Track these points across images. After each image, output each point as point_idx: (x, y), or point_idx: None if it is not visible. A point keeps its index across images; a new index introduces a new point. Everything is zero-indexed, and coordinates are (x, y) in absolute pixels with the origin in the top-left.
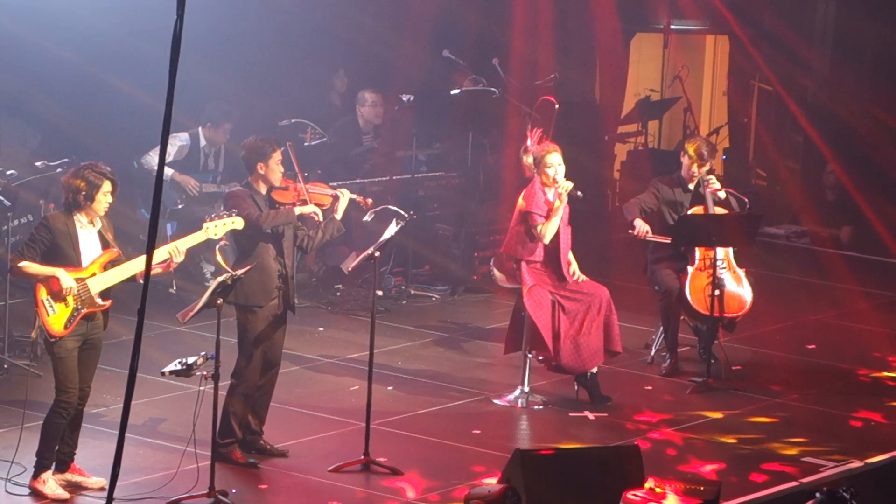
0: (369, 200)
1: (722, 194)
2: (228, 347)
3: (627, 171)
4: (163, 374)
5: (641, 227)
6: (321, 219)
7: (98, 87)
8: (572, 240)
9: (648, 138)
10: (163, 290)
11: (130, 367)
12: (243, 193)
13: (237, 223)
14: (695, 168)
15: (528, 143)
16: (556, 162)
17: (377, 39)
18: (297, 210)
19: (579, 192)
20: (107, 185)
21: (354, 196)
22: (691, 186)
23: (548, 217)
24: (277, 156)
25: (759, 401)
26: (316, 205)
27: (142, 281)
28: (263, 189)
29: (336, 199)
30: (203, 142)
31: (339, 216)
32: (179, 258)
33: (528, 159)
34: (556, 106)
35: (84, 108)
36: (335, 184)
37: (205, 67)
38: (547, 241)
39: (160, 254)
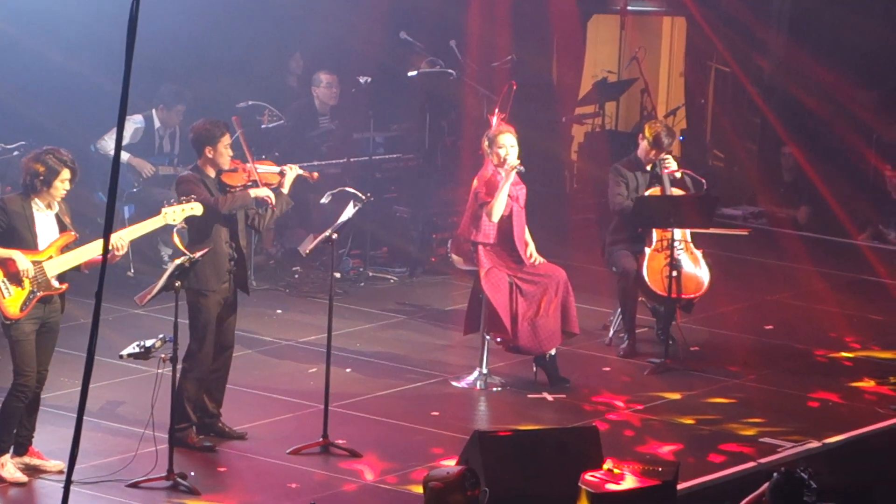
0: (315, 174)
1: (679, 175)
2: (186, 330)
3: (585, 153)
4: (121, 356)
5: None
6: (274, 202)
7: (53, 70)
8: (528, 221)
9: (606, 120)
10: (120, 273)
11: (88, 350)
12: (193, 178)
13: (196, 209)
14: (653, 154)
15: (492, 127)
16: (508, 143)
17: (333, 20)
18: (252, 193)
19: (521, 168)
20: (66, 173)
21: (301, 171)
22: (648, 168)
23: (492, 196)
24: (226, 139)
25: (717, 381)
26: (265, 184)
27: (86, 271)
28: (212, 172)
29: (283, 174)
30: (157, 124)
31: (286, 191)
32: (122, 251)
33: (486, 144)
34: (514, 86)
35: (39, 90)
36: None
37: (159, 49)
38: (494, 219)
39: (113, 239)
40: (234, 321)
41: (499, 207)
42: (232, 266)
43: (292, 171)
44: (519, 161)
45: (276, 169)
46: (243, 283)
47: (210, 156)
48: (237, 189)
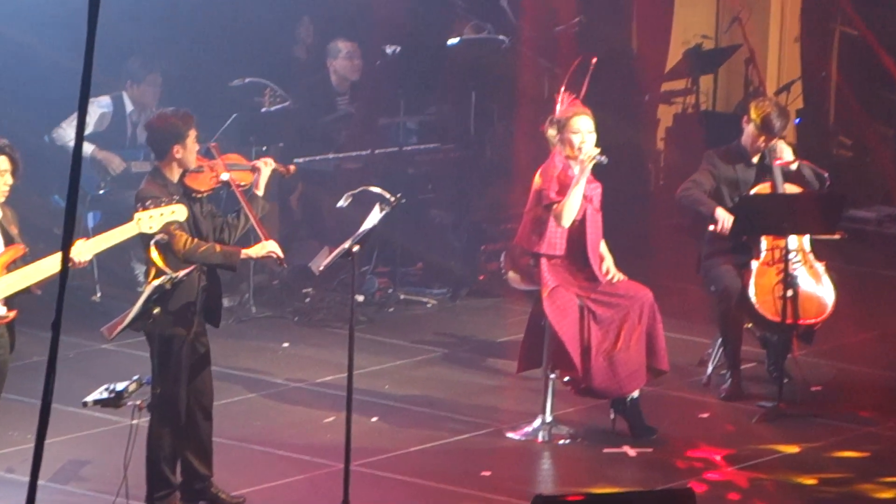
0: (292, 167)
1: (794, 167)
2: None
3: (674, 141)
4: (85, 404)
5: (726, 219)
6: (281, 257)
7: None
8: (604, 228)
9: (700, 98)
10: (83, 297)
11: (44, 396)
12: (158, 187)
13: (178, 212)
14: (761, 141)
15: (557, 111)
16: (584, 128)
17: None
18: (243, 254)
19: (603, 158)
20: (2, 162)
21: (276, 165)
22: (755, 160)
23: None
24: (193, 132)
25: (846, 430)
26: (236, 184)
27: (39, 292)
28: (175, 174)
29: (257, 171)
30: (129, 106)
31: (260, 192)
32: (84, 258)
33: (552, 131)
34: (594, 59)
35: None
36: (300, 160)
37: (129, 16)
38: (565, 224)
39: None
40: (209, 358)
41: (571, 209)
42: (203, 293)
43: (267, 167)
44: (599, 150)
45: (248, 165)
46: (214, 315)
47: (178, 155)
48: (204, 195)
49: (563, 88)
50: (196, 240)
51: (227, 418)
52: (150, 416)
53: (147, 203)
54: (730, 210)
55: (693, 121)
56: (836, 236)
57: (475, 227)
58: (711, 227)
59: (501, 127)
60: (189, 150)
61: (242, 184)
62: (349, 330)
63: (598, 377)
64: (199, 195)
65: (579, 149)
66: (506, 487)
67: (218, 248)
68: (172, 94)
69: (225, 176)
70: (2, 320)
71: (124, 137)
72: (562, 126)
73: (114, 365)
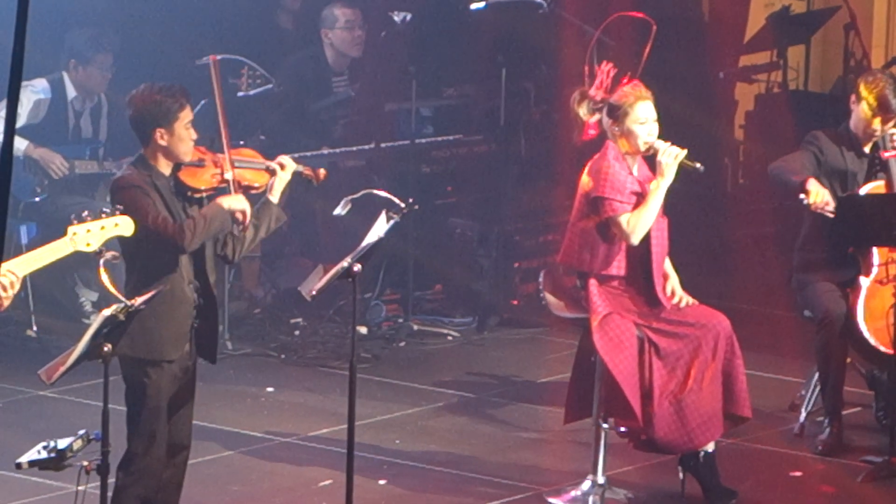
0: (322, 171)
1: None
2: (123, 422)
3: (757, 128)
4: (19, 465)
5: (820, 192)
6: (248, 219)
7: None
8: (670, 240)
9: (789, 75)
10: (16, 331)
11: None
12: (138, 181)
13: (123, 226)
14: (876, 123)
15: (593, 86)
16: (650, 115)
17: None
18: (225, 204)
19: (699, 165)
20: None
21: (300, 168)
22: (867, 148)
23: (636, 204)
24: (187, 115)
25: None
26: (245, 186)
27: None
28: (167, 167)
29: (273, 172)
30: (72, 92)
31: (275, 199)
32: (11, 291)
33: (584, 111)
34: (653, 27)
35: None
36: (295, 155)
37: None
38: (635, 241)
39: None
40: (192, 408)
41: (647, 221)
42: (195, 321)
43: (288, 169)
44: (686, 151)
45: (263, 164)
46: (210, 348)
47: (163, 142)
48: (204, 194)
49: (596, 58)
50: (175, 221)
51: (197, 482)
52: (116, 477)
53: (83, 214)
54: (834, 211)
55: (780, 103)
56: None
57: (507, 240)
58: (802, 198)
59: (538, 113)
60: (178, 136)
61: (256, 185)
62: (350, 370)
63: (662, 427)
64: (198, 195)
65: (647, 144)
66: None
67: (203, 212)
68: (126, 76)
69: (230, 174)
70: None
71: (66, 130)
72: (620, 114)
73: (55, 416)
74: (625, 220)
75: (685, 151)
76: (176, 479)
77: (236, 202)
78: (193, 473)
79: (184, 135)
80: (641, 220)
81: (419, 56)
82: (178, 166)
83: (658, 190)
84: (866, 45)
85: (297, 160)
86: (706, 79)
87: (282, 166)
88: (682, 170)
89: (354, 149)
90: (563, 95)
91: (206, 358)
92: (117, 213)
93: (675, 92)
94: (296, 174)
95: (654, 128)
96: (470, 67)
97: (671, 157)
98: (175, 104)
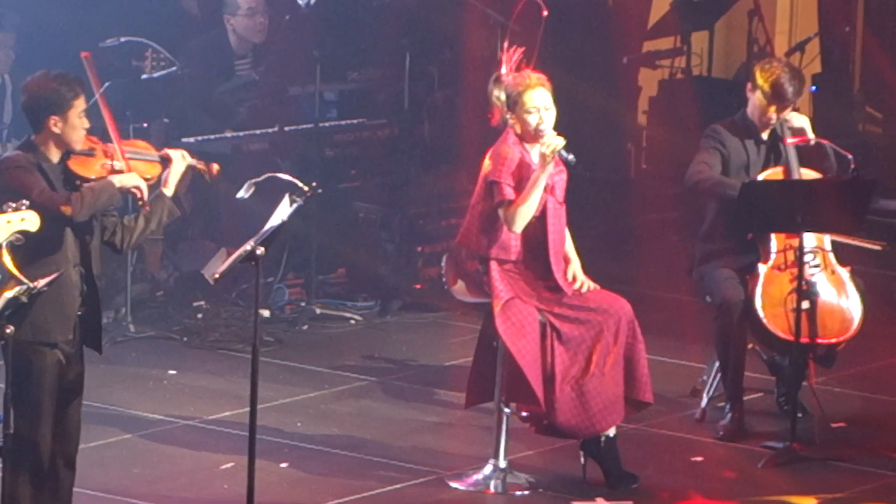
0: (215, 167)
1: (812, 143)
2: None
3: (661, 113)
4: None
5: None
6: (146, 195)
7: None
8: (570, 224)
9: (693, 61)
10: None
11: None
12: (24, 162)
13: (29, 221)
14: (772, 111)
15: (503, 69)
16: (541, 103)
17: None
18: (117, 182)
19: (571, 155)
20: None
21: (193, 161)
22: (765, 135)
23: (520, 189)
24: (81, 103)
25: (874, 477)
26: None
27: None
28: (56, 155)
29: (166, 164)
30: None
31: (169, 191)
32: None
33: (501, 95)
34: (544, 12)
35: None
36: (190, 139)
37: None
38: (516, 230)
39: None
40: (81, 391)
41: (525, 213)
42: (81, 306)
43: (182, 161)
44: (564, 141)
45: (155, 156)
46: (94, 336)
47: (56, 130)
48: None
49: (505, 44)
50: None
51: (98, 465)
52: (2, 464)
53: None
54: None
55: (683, 89)
56: (877, 247)
57: (410, 224)
58: None
59: (442, 98)
60: (71, 125)
61: (147, 177)
62: (252, 353)
63: (564, 411)
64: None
65: (538, 130)
66: None
67: (91, 185)
68: (28, 57)
69: (120, 164)
70: None
71: None
72: (512, 101)
73: None
74: (507, 209)
75: (562, 142)
76: (69, 460)
77: (128, 179)
78: (94, 456)
79: (77, 123)
80: (519, 211)
81: (323, 40)
82: (67, 154)
83: (536, 181)
84: (770, 32)
85: (192, 153)
86: (610, 64)
87: (174, 158)
88: (565, 161)
89: (258, 132)
90: (467, 79)
91: (93, 347)
92: (23, 207)
93: (578, 77)
94: (189, 168)
95: (548, 115)
96: (374, 51)
97: (549, 147)
98: (70, 92)
